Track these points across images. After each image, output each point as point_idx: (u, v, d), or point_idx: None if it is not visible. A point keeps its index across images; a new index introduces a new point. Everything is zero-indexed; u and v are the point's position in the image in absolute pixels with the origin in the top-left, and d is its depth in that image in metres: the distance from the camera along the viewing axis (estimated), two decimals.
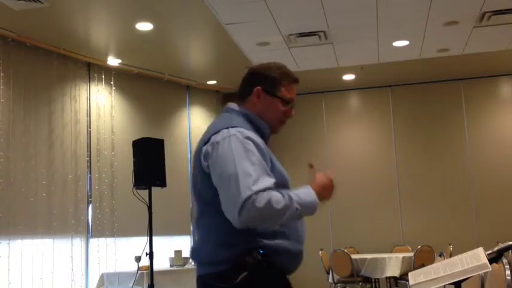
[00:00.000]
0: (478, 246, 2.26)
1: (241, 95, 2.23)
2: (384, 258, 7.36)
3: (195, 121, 8.95)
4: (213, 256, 2.02)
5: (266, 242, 1.99)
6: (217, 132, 2.04)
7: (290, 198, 1.95)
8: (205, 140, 2.07)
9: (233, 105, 2.23)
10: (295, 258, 2.09)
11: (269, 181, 1.94)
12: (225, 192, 1.95)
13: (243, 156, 1.95)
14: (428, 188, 9.17)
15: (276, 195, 1.91)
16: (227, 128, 2.03)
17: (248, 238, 1.98)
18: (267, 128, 2.19)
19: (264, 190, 1.90)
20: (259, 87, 2.17)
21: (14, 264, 6.15)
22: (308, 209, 2.01)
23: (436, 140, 9.31)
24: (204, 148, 2.05)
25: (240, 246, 1.98)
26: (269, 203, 1.89)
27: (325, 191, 2.09)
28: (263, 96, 2.18)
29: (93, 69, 7.55)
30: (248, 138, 2.01)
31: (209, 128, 2.14)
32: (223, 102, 9.45)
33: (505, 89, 9.31)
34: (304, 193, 2.02)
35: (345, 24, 6.45)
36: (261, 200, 1.88)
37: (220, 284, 1.99)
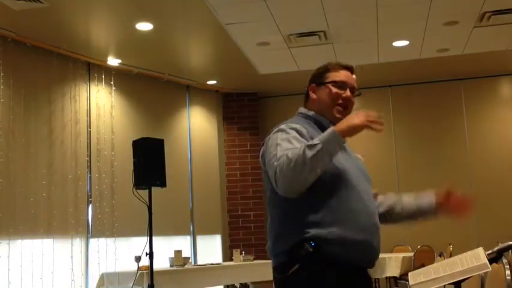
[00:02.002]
0: (478, 246, 2.26)
1: (305, 100, 2.41)
2: (384, 258, 7.36)
3: (195, 121, 8.95)
4: (273, 250, 2.14)
5: (316, 230, 2.02)
6: (271, 132, 2.22)
7: (304, 144, 2.01)
8: (262, 144, 2.25)
9: (300, 109, 2.39)
10: (356, 247, 2.06)
11: (295, 145, 2.04)
12: (270, 174, 2.08)
13: (283, 140, 2.10)
14: (428, 188, 9.10)
15: (292, 151, 2.00)
16: (278, 126, 2.22)
17: (298, 228, 2.04)
18: (328, 123, 2.25)
19: (284, 154, 2.01)
20: (313, 84, 2.37)
21: (14, 264, 6.14)
22: (328, 141, 2.00)
23: (436, 139, 9.31)
24: (261, 149, 2.23)
25: (292, 237, 2.05)
26: (286, 159, 1.97)
27: (345, 121, 2.07)
28: (316, 90, 2.34)
29: (93, 69, 7.55)
30: (292, 128, 2.16)
31: None
32: (223, 102, 9.46)
33: (505, 89, 9.31)
34: (326, 131, 2.06)
35: (345, 24, 6.45)
36: (280, 162, 1.99)
37: (278, 276, 2.11)
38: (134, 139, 6.01)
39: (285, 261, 2.07)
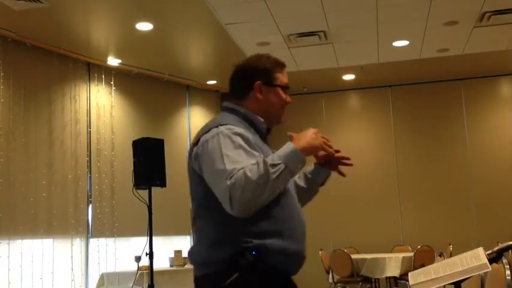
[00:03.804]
0: (478, 246, 2.26)
1: (237, 94, 2.21)
2: (384, 258, 7.36)
3: (195, 121, 8.94)
4: (206, 257, 2.00)
5: (258, 241, 1.92)
6: (207, 132, 2.02)
7: (264, 161, 1.88)
8: (195, 142, 2.06)
9: (228, 104, 2.21)
10: (292, 258, 2.02)
11: (247, 162, 1.89)
12: (217, 189, 1.91)
13: (230, 149, 1.93)
14: (428, 188, 9.16)
15: (249, 168, 1.86)
16: (216, 126, 2.02)
17: (239, 238, 1.93)
18: (263, 124, 2.16)
19: (239, 170, 1.86)
20: (259, 82, 2.16)
21: (14, 264, 6.15)
22: (290, 159, 1.92)
23: (436, 140, 9.31)
24: (195, 149, 2.04)
25: (232, 246, 1.93)
26: (245, 178, 1.83)
27: (302, 139, 1.99)
28: (264, 89, 2.16)
29: (93, 69, 7.55)
30: (236, 133, 1.99)
31: (200, 129, 2.13)
32: (223, 102, 9.46)
33: (505, 89, 9.31)
34: (283, 148, 1.96)
35: (345, 24, 6.45)
36: (237, 181, 1.84)
37: (212, 285, 1.97)
38: (134, 139, 6.01)
39: (221, 271, 1.93)
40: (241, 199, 1.84)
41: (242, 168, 1.86)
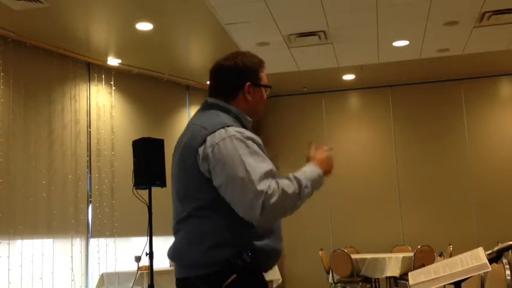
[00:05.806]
0: (478, 246, 2.26)
1: (226, 93, 2.17)
2: (384, 258, 7.36)
3: None
4: (203, 258, 1.99)
5: (256, 242, 1.99)
6: (213, 132, 1.99)
7: (297, 179, 1.97)
8: (200, 141, 2.00)
9: (219, 102, 2.16)
10: (277, 256, 2.11)
11: (267, 168, 1.95)
12: (239, 195, 1.91)
13: (248, 156, 1.94)
14: (428, 188, 9.17)
15: (284, 182, 1.94)
16: (223, 127, 1.99)
17: (238, 239, 1.98)
18: (250, 123, 2.18)
19: (272, 181, 1.91)
20: (249, 83, 2.16)
21: (14, 264, 6.15)
22: (317, 184, 2.05)
23: (436, 140, 9.32)
24: (201, 150, 1.98)
25: (231, 248, 1.96)
26: (281, 191, 1.90)
27: (325, 165, 2.12)
28: (252, 89, 2.17)
29: (93, 69, 7.55)
30: (248, 138, 1.99)
31: (196, 126, 2.07)
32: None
33: (505, 89, 9.32)
34: (310, 170, 2.06)
35: (345, 24, 6.45)
36: (273, 192, 1.89)
37: (209, 286, 1.97)
38: (134, 139, 6.01)
39: (217, 272, 1.95)
40: (275, 208, 1.89)
41: (273, 179, 1.93)
